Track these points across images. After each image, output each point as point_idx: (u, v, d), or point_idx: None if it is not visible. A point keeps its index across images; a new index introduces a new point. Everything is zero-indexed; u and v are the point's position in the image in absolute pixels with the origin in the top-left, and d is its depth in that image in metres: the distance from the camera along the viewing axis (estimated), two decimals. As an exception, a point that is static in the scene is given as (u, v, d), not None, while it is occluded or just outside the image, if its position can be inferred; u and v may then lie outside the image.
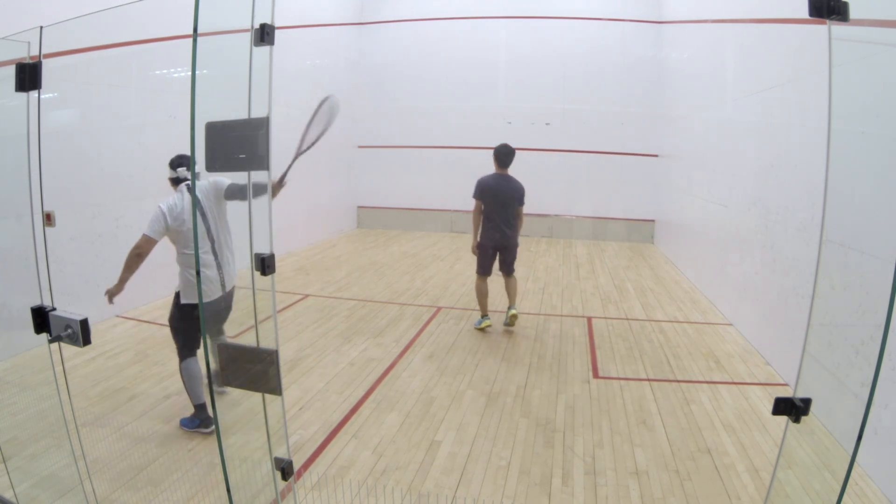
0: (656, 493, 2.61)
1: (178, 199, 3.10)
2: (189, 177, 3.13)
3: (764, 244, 4.44)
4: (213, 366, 2.94)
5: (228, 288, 3.20)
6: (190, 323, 3.11)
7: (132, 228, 5.21)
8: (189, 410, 3.17)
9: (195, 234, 2.96)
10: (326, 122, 2.95)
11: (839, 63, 1.51)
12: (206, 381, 3.08)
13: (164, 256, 5.42)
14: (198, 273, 1.91)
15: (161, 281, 5.51)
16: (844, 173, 1.65)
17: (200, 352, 3.16)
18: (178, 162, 3.19)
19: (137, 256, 3.04)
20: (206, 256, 3.07)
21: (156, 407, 3.37)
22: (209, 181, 3.09)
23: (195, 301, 3.06)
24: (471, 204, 4.87)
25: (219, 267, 3.13)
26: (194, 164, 1.60)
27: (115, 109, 5.08)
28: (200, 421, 3.09)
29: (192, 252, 2.98)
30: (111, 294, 3.07)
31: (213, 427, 2.87)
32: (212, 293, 3.10)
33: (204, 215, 3.05)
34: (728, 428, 3.21)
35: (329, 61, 9.87)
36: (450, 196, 10.45)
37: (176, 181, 3.20)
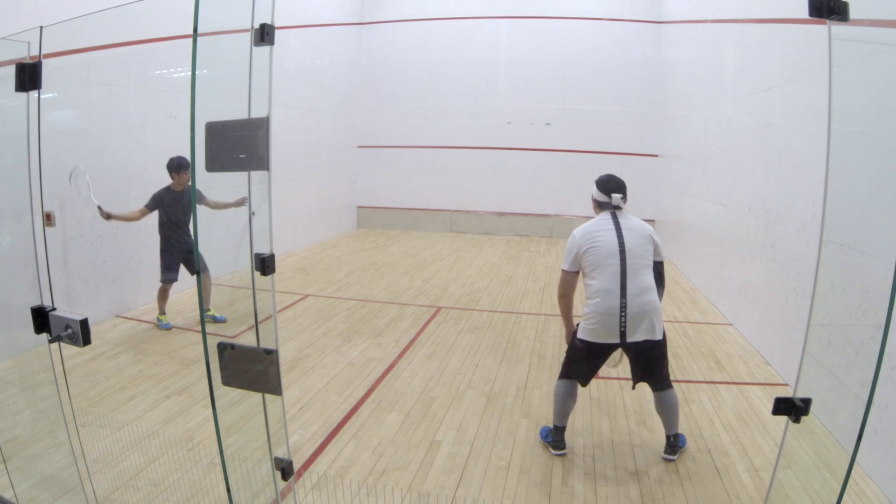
0: (656, 493, 2.61)
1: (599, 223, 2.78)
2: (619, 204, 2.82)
3: (764, 244, 4.44)
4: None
5: (632, 338, 2.68)
6: (583, 360, 2.82)
7: (132, 228, 5.22)
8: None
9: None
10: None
11: (839, 63, 1.51)
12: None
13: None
14: (197, 271, 1.90)
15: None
16: (844, 173, 1.65)
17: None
18: (612, 187, 2.82)
19: (562, 298, 2.83)
20: (613, 290, 2.66)
21: (156, 407, 3.36)
22: (644, 226, 2.82)
23: (589, 339, 2.77)
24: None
25: (622, 308, 2.66)
26: (194, 164, 1.60)
27: (115, 109, 5.08)
28: (553, 440, 2.94)
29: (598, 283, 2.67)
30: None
31: (562, 451, 2.88)
32: (603, 335, 2.71)
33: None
34: (728, 428, 3.21)
35: (329, 61, 9.87)
36: (450, 196, 10.45)
37: (602, 206, 2.85)
